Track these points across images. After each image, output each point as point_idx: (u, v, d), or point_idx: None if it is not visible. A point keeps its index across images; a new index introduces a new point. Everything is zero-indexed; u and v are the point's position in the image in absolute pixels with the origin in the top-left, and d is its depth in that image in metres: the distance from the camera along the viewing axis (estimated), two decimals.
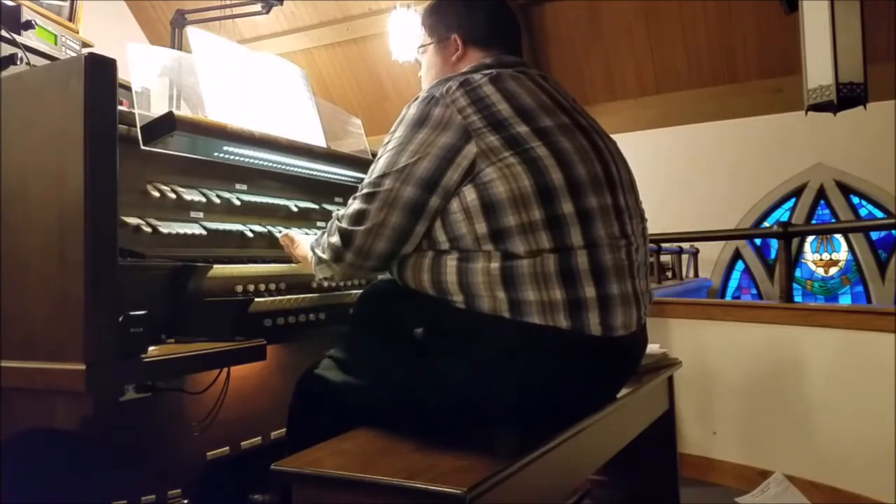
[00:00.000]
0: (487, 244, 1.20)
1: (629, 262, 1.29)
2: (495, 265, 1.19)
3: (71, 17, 2.20)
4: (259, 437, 1.87)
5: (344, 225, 1.28)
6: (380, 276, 1.47)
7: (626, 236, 1.30)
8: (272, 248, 1.76)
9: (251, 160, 1.73)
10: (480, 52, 1.44)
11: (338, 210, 1.36)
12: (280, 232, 1.75)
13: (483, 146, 1.21)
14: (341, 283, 1.76)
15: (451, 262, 1.23)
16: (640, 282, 1.33)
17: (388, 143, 1.30)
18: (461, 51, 1.45)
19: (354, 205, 1.28)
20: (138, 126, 1.43)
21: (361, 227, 1.26)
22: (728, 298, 7.07)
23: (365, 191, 1.28)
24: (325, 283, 1.69)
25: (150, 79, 1.62)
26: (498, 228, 1.20)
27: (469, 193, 1.21)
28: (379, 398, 1.34)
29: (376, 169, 1.28)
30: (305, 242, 1.58)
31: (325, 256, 1.33)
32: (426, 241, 1.27)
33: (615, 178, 1.32)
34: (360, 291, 1.49)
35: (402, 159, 1.24)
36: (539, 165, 1.21)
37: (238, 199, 1.72)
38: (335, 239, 1.30)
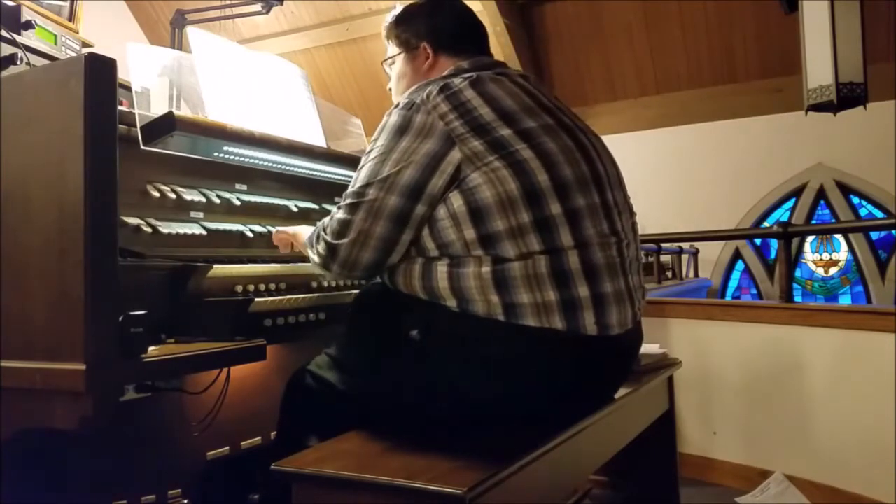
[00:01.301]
0: (477, 249, 1.20)
1: (621, 260, 1.28)
2: (486, 269, 1.19)
3: (71, 17, 2.20)
4: (259, 437, 1.87)
5: (328, 238, 1.27)
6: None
7: (616, 233, 1.29)
8: (272, 248, 1.76)
9: (251, 160, 1.73)
10: (451, 57, 1.44)
11: (326, 217, 1.34)
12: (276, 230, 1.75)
13: (467, 151, 1.21)
14: (341, 283, 1.76)
15: (441, 269, 1.22)
16: (633, 278, 1.33)
17: (370, 151, 1.29)
18: (432, 58, 1.46)
19: (338, 215, 1.27)
20: (138, 126, 1.43)
21: (346, 240, 1.25)
22: (728, 298, 7.07)
23: (348, 201, 1.27)
24: (320, 284, 1.69)
25: (150, 79, 1.62)
26: (487, 233, 1.19)
27: (456, 200, 1.21)
28: (374, 398, 1.34)
29: (359, 178, 1.27)
30: (301, 228, 1.58)
31: (316, 260, 1.33)
32: (415, 249, 1.27)
33: (602, 175, 1.31)
34: (357, 292, 1.49)
35: (385, 168, 1.23)
36: (525, 168, 1.21)
37: (238, 199, 1.72)
38: (322, 248, 1.29)
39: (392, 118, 1.28)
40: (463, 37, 1.47)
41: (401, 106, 1.28)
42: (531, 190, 1.20)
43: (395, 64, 1.53)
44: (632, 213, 1.42)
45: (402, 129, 1.25)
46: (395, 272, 1.30)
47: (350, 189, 1.28)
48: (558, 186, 1.22)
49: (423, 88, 1.29)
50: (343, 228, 1.26)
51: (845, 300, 6.84)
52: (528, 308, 1.18)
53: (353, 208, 1.25)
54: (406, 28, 1.50)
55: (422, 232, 1.25)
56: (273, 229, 1.78)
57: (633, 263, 1.34)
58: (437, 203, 1.23)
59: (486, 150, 1.21)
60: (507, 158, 1.21)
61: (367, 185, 1.25)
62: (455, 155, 1.21)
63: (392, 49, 1.53)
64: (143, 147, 1.44)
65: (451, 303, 1.22)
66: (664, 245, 5.79)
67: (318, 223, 1.35)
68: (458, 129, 1.22)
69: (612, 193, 1.33)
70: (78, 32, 2.15)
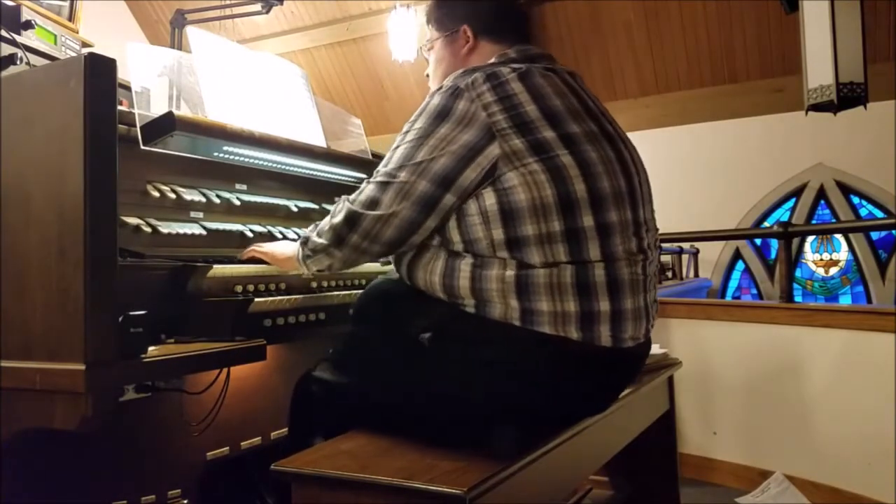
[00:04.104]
0: (503, 251, 1.18)
1: (644, 277, 1.27)
2: (510, 273, 1.17)
3: (71, 17, 2.21)
4: (259, 437, 1.87)
5: (355, 208, 1.25)
6: (381, 277, 1.46)
7: (644, 251, 1.27)
8: None
9: (251, 160, 1.73)
10: (492, 42, 1.40)
11: (344, 196, 1.32)
12: (266, 238, 1.74)
13: (507, 148, 1.18)
14: (341, 283, 1.76)
15: (465, 267, 1.21)
16: (650, 294, 1.31)
17: (407, 132, 1.26)
18: (472, 42, 1.41)
19: (367, 190, 1.25)
20: (138, 126, 1.43)
21: (373, 213, 1.23)
22: (728, 298, 7.07)
23: (379, 179, 1.24)
24: (320, 284, 1.68)
25: (149, 79, 1.62)
26: (515, 236, 1.17)
27: (489, 198, 1.19)
28: (379, 398, 1.33)
29: (394, 158, 1.24)
30: (278, 244, 1.56)
31: (324, 241, 1.30)
32: (439, 239, 1.25)
33: (637, 190, 1.29)
34: (361, 291, 1.49)
35: (420, 153, 1.21)
36: (563, 174, 1.18)
37: (238, 199, 1.72)
38: (340, 220, 1.26)
39: (434, 100, 1.24)
40: (505, 20, 1.42)
41: (444, 89, 1.25)
42: (566, 199, 1.18)
43: (433, 49, 1.48)
44: (656, 229, 1.40)
45: (442, 115, 1.22)
46: (416, 267, 1.28)
47: (383, 167, 1.26)
48: (594, 199, 1.20)
49: (469, 73, 1.25)
50: (371, 203, 1.24)
51: (845, 300, 6.84)
52: (546, 316, 1.17)
53: (383, 187, 1.23)
54: (446, 10, 1.45)
55: (448, 223, 1.23)
56: (273, 229, 1.79)
57: (651, 279, 1.33)
58: (468, 195, 1.20)
59: (527, 150, 1.18)
60: (546, 163, 1.18)
61: (399, 168, 1.22)
62: (493, 150, 1.18)
63: (431, 33, 1.48)
64: (142, 147, 1.44)
65: (469, 302, 1.21)
66: (664, 245, 5.79)
67: (339, 199, 1.33)
68: (500, 124, 1.19)
69: (644, 210, 1.31)
70: (78, 32, 2.16)
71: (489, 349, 1.21)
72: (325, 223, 1.32)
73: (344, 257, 1.31)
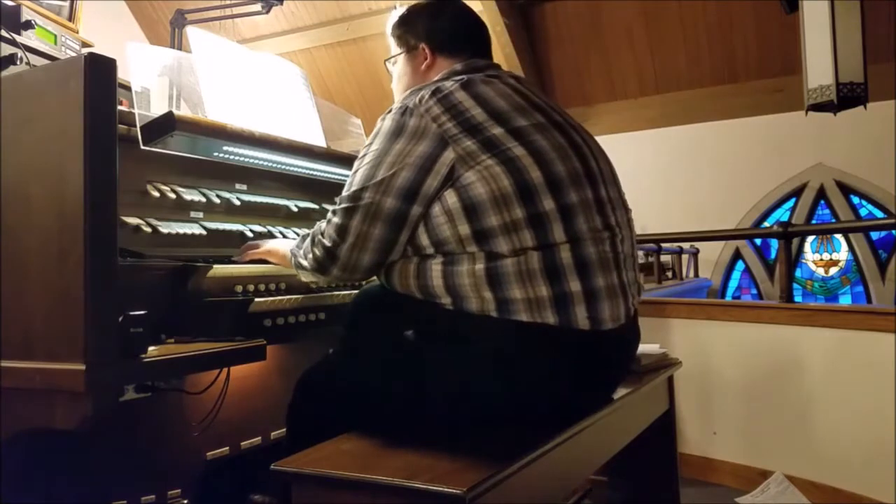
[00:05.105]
0: (471, 245, 1.21)
1: (614, 254, 1.29)
2: (480, 266, 1.20)
3: (71, 17, 2.21)
4: (259, 437, 1.87)
5: (327, 242, 1.29)
6: (372, 283, 1.47)
7: (610, 228, 1.30)
8: None
9: (251, 160, 1.73)
10: (449, 59, 1.46)
11: (319, 223, 1.34)
12: (268, 236, 1.74)
13: (460, 151, 1.22)
14: (340, 283, 1.76)
15: (436, 267, 1.24)
16: (627, 273, 1.33)
17: (363, 155, 1.30)
18: (430, 59, 1.47)
19: (335, 220, 1.28)
20: (138, 126, 1.43)
21: (345, 243, 1.27)
22: (728, 298, 7.08)
23: (344, 205, 1.28)
24: (325, 284, 1.69)
25: (149, 79, 1.62)
26: (481, 229, 1.20)
27: (450, 196, 1.22)
28: (378, 399, 1.34)
29: (354, 182, 1.28)
30: (275, 243, 1.58)
31: (307, 265, 1.34)
32: (410, 247, 1.28)
33: (595, 171, 1.33)
34: (355, 293, 1.50)
35: (380, 172, 1.25)
36: (517, 165, 1.22)
37: (238, 199, 1.72)
38: (319, 252, 1.31)
39: (386, 123, 1.30)
40: (461, 39, 1.48)
41: (394, 111, 1.30)
42: (524, 186, 1.21)
43: (396, 63, 1.55)
44: (627, 209, 1.43)
45: (395, 133, 1.26)
46: (391, 272, 1.31)
47: (345, 193, 1.29)
48: (551, 183, 1.24)
49: (416, 93, 1.30)
50: (341, 233, 1.27)
51: (845, 300, 6.84)
52: (521, 303, 1.19)
53: (349, 212, 1.27)
54: (407, 29, 1.51)
55: (417, 230, 1.26)
56: (273, 229, 1.79)
57: (627, 258, 1.35)
58: (432, 202, 1.24)
59: (479, 149, 1.22)
60: (499, 156, 1.22)
61: (362, 189, 1.26)
62: (449, 155, 1.22)
63: (394, 48, 1.55)
64: (142, 147, 1.44)
65: (446, 300, 1.24)
66: (664, 245, 5.79)
67: (314, 228, 1.36)
68: (451, 131, 1.23)
69: (606, 189, 1.34)
70: (78, 32, 2.16)
71: (472, 344, 1.23)
72: (307, 248, 1.35)
73: (327, 282, 1.39)
